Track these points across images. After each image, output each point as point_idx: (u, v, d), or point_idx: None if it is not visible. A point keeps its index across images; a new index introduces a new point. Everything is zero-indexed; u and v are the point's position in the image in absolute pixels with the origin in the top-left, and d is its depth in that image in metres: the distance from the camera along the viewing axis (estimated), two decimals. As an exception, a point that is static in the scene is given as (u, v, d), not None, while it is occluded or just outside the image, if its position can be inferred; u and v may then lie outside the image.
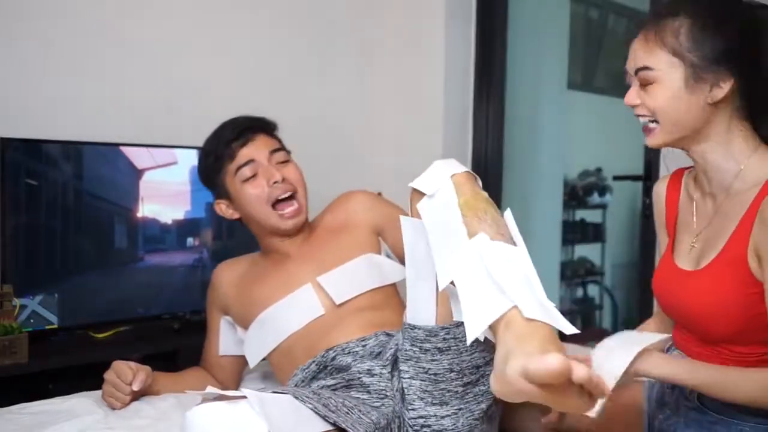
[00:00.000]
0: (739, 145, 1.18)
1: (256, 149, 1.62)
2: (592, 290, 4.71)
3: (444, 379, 1.27)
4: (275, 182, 1.59)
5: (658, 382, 1.37)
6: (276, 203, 1.61)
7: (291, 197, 1.62)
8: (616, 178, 3.40)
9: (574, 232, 4.59)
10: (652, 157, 2.35)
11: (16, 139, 1.91)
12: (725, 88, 1.14)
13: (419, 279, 1.28)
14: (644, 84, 1.18)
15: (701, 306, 1.19)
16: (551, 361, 0.83)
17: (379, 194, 2.74)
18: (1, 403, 1.54)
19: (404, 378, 1.31)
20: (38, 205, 1.95)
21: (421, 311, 1.28)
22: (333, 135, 2.81)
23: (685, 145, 1.22)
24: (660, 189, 1.38)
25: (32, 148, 1.94)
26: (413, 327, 1.29)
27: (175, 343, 2.07)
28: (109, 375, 1.52)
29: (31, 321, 1.93)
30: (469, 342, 1.02)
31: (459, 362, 1.26)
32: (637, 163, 2.50)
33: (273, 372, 1.66)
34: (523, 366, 0.87)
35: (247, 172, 1.60)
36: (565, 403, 0.88)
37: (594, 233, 4.70)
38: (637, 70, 1.18)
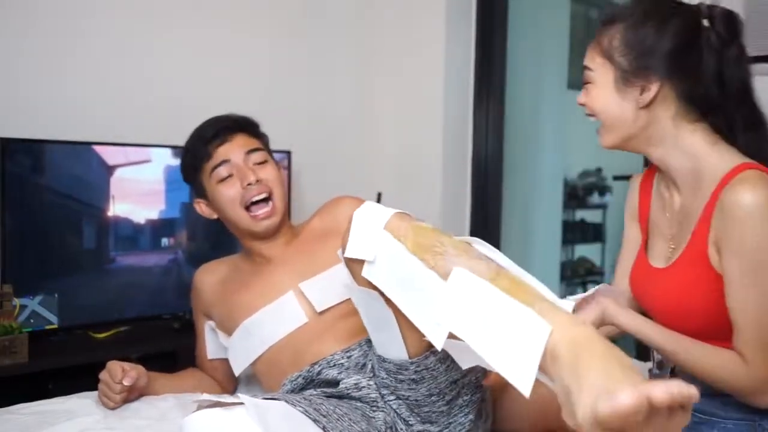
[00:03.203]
0: (695, 145, 1.18)
1: (233, 149, 1.59)
2: (592, 290, 4.70)
3: (426, 403, 1.26)
4: (249, 184, 1.56)
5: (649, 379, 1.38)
6: (250, 205, 1.58)
7: (266, 199, 1.59)
8: (616, 178, 3.39)
9: (574, 232, 4.59)
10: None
11: (17, 139, 1.91)
12: (653, 91, 1.16)
13: (381, 331, 1.23)
14: (585, 83, 1.23)
15: (669, 303, 1.21)
16: (622, 400, 0.72)
17: (379, 195, 2.75)
18: (1, 403, 1.54)
19: (390, 401, 1.30)
20: (38, 205, 1.95)
21: (390, 350, 1.24)
22: (333, 135, 2.81)
23: (638, 149, 1.24)
24: (635, 184, 1.40)
25: (33, 148, 1.94)
26: (384, 359, 1.27)
27: (175, 343, 2.07)
28: (102, 375, 1.52)
29: (31, 321, 1.93)
30: (528, 395, 0.88)
31: (436, 386, 1.24)
32: (637, 163, 2.49)
33: (258, 380, 1.65)
34: (595, 412, 0.75)
35: (222, 172, 1.57)
36: (664, 430, 0.76)
37: (594, 233, 4.70)
38: (583, 70, 1.24)
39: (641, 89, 1.17)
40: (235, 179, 1.57)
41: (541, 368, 0.87)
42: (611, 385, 0.76)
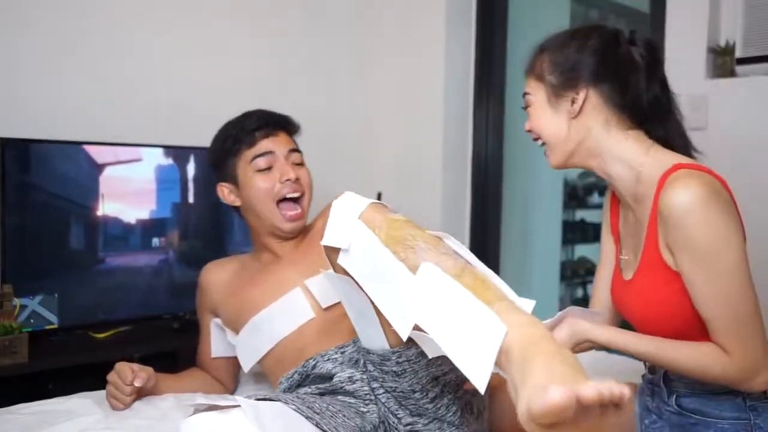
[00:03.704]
0: (630, 152, 1.23)
1: (277, 143, 1.63)
2: (592, 290, 4.70)
3: (411, 398, 1.27)
4: (288, 180, 1.59)
5: (643, 384, 1.38)
6: (281, 201, 1.60)
7: (297, 200, 1.62)
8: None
9: (574, 232, 4.59)
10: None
11: (17, 139, 1.91)
12: (580, 98, 1.23)
13: (362, 318, 1.26)
14: (526, 108, 1.32)
15: (642, 312, 1.23)
16: (552, 396, 0.74)
17: (379, 194, 2.75)
18: (1, 403, 1.54)
19: (379, 394, 1.31)
20: (38, 205, 1.95)
21: (373, 341, 1.27)
22: (333, 135, 2.81)
23: (582, 164, 1.29)
24: (607, 198, 1.45)
25: (33, 148, 1.94)
26: (368, 351, 1.30)
27: (175, 343, 2.07)
28: (111, 376, 1.52)
29: (31, 321, 1.93)
30: (482, 391, 0.93)
31: (418, 381, 1.26)
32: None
33: (266, 376, 1.66)
34: (528, 408, 0.78)
35: (262, 163, 1.60)
36: (598, 428, 0.78)
37: (594, 233, 4.70)
38: (523, 98, 1.33)
39: (571, 101, 1.24)
40: (275, 172, 1.60)
41: (498, 365, 0.92)
42: (548, 383, 0.79)
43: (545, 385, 0.77)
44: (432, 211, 2.82)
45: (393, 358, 1.25)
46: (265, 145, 1.61)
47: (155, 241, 2.18)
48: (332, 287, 1.29)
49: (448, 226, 2.78)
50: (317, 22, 2.76)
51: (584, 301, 4.70)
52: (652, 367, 1.31)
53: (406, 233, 1.09)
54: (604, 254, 1.44)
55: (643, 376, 1.40)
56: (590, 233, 4.68)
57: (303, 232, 1.69)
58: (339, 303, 1.52)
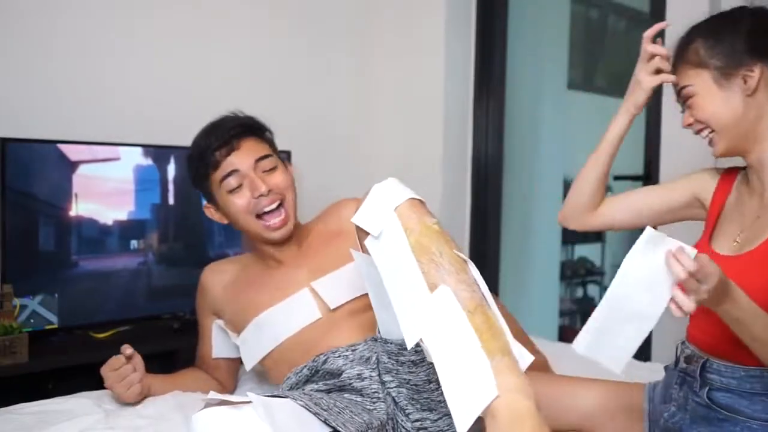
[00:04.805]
0: None
1: (241, 158, 1.56)
2: (592, 290, 4.71)
3: (425, 389, 1.27)
4: (261, 195, 1.54)
5: (660, 382, 1.37)
6: (262, 214, 1.57)
7: (278, 207, 1.58)
8: (616, 178, 3.39)
9: (574, 232, 4.58)
10: (652, 157, 2.35)
11: (17, 139, 1.91)
12: (756, 75, 1.21)
13: (384, 303, 1.25)
14: (687, 101, 1.27)
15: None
16: None
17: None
18: (1, 403, 1.54)
19: (390, 388, 1.31)
20: (39, 205, 1.95)
21: (393, 329, 1.27)
22: (333, 135, 2.81)
23: (748, 149, 1.26)
24: (714, 173, 1.39)
25: (34, 147, 1.94)
26: (386, 341, 1.30)
27: (175, 343, 2.07)
28: (108, 380, 1.51)
29: (31, 321, 1.93)
30: None
31: (435, 371, 1.26)
32: (637, 163, 2.50)
33: (266, 375, 1.66)
34: None
35: (231, 182, 1.55)
36: None
37: (594, 233, 4.70)
38: (679, 94, 1.29)
39: (744, 78, 1.22)
40: (245, 189, 1.56)
41: (482, 416, 0.98)
42: None
43: None
44: (432, 211, 2.82)
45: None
46: (229, 163, 1.55)
47: (149, 241, 2.18)
48: (357, 266, 1.29)
49: (448, 226, 2.77)
50: (317, 22, 2.76)
51: (583, 301, 4.70)
52: (689, 357, 1.28)
53: (434, 246, 1.11)
54: (665, 185, 1.44)
55: (666, 367, 1.39)
56: (590, 233, 4.68)
57: (302, 235, 1.68)
58: (346, 304, 1.54)
